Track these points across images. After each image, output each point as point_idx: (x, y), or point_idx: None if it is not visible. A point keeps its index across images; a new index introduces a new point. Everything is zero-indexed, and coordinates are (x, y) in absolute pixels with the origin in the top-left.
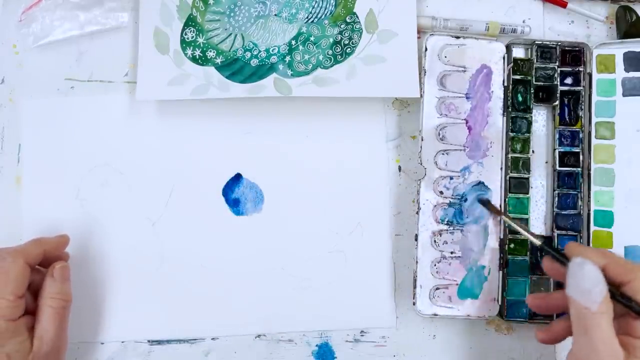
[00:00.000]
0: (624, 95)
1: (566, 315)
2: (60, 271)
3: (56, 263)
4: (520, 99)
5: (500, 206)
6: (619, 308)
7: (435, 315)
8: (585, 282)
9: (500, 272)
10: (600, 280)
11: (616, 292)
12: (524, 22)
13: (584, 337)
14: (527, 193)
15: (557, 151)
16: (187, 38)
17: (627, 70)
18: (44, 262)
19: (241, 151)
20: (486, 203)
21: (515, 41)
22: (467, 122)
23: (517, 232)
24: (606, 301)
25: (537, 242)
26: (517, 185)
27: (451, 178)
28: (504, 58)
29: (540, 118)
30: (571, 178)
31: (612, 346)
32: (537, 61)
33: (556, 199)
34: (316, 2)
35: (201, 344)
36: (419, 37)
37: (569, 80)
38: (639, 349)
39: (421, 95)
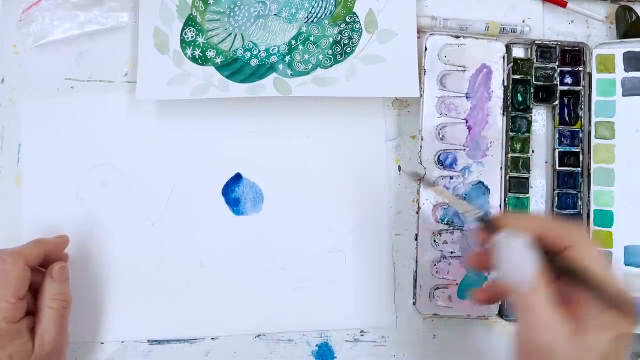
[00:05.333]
0: (624, 95)
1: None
2: (60, 272)
3: (55, 264)
4: (520, 99)
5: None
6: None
7: (435, 315)
8: (511, 260)
9: None
10: (528, 255)
11: (556, 260)
12: (524, 22)
13: (522, 319)
14: (527, 193)
15: (557, 151)
16: (187, 38)
17: (627, 70)
18: (44, 262)
19: (241, 151)
20: (416, 176)
21: (515, 41)
22: (467, 122)
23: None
24: (539, 278)
25: (477, 214)
26: (517, 185)
27: (451, 178)
28: (504, 58)
29: (540, 118)
30: (571, 178)
31: (552, 326)
32: (537, 61)
33: (556, 199)
34: (316, 2)
35: (201, 344)
36: (419, 37)
37: (569, 80)
38: (587, 321)
39: (421, 95)
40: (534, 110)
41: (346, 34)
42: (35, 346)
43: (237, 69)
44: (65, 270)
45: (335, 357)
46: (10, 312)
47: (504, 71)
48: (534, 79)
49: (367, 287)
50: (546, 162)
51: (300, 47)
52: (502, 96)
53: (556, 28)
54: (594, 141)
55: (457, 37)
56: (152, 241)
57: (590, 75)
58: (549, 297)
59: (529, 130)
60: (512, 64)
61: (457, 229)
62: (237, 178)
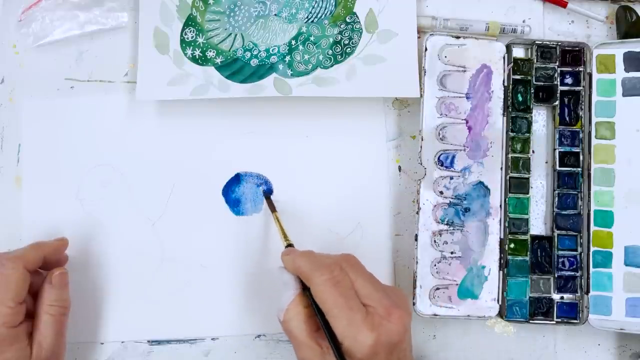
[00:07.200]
0: (624, 95)
1: None
2: (59, 278)
3: (55, 270)
4: (520, 99)
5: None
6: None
7: (435, 315)
8: (280, 289)
9: (500, 272)
10: (286, 291)
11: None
12: (524, 22)
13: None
14: (527, 193)
15: (557, 151)
16: (187, 38)
17: (627, 70)
18: (43, 264)
19: (241, 151)
20: (267, 197)
21: (515, 41)
22: (467, 122)
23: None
24: (291, 310)
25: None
26: (517, 185)
27: (451, 178)
28: (504, 58)
29: (540, 118)
30: (571, 178)
31: (306, 347)
32: (537, 61)
33: (556, 199)
34: (316, 2)
35: (201, 344)
36: (419, 37)
37: (569, 80)
38: (327, 346)
39: (421, 95)
40: (534, 110)
41: (346, 34)
42: (32, 351)
43: (237, 69)
44: (65, 277)
45: None
46: (9, 316)
47: (504, 71)
48: (534, 79)
49: None
50: (546, 162)
51: (300, 47)
52: (502, 96)
53: (556, 28)
54: (594, 141)
55: (457, 37)
56: (152, 241)
57: (590, 75)
58: (302, 325)
59: (529, 130)
60: (512, 64)
61: (457, 229)
62: (237, 178)
